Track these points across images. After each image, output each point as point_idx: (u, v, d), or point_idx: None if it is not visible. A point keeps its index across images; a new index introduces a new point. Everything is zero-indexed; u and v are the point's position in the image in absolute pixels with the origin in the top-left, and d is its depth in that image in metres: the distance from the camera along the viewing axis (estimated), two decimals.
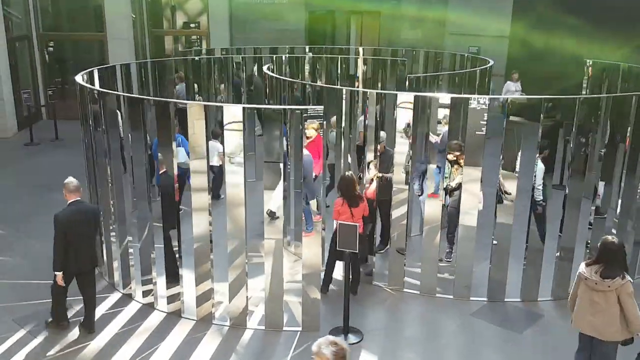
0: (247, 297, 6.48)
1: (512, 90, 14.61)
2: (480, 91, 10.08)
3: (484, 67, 10.61)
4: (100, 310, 6.82)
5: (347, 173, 7.00)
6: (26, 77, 16.12)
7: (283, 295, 6.48)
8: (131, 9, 16.88)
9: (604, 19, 14.69)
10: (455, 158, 7.41)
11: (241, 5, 19.51)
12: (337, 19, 24.14)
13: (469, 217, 6.89)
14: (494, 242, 6.99)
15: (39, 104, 16.33)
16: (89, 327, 6.37)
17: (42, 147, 13.78)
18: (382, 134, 7.45)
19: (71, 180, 6.23)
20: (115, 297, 7.18)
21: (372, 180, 7.36)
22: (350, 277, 6.56)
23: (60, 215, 6.08)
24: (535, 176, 7.12)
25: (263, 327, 6.49)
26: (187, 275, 6.70)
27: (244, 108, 6.26)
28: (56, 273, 6.08)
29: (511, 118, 6.68)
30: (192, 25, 19.12)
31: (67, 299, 6.47)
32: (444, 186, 7.48)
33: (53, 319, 6.42)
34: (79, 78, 7.44)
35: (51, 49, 17.07)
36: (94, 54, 17.44)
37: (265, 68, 10.26)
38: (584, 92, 11.24)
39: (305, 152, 7.07)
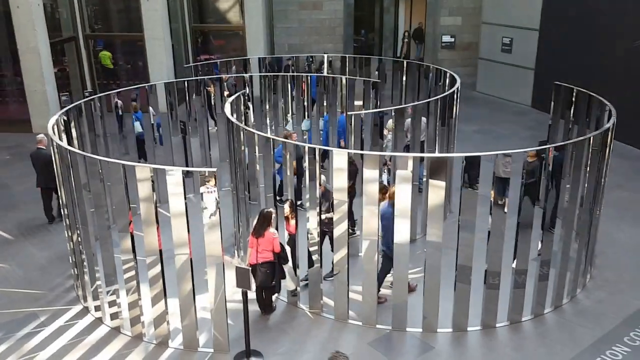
0: (167, 316, 7.46)
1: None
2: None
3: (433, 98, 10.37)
4: (58, 323, 8.08)
5: (268, 209, 7.79)
6: (75, 76, 17.82)
7: (196, 315, 7.34)
8: (170, 7, 17.99)
9: None
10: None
11: None
12: (384, 3, 24.10)
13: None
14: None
15: None
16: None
17: None
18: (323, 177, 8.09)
19: (40, 135, 10.71)
20: (77, 309, 8.38)
21: (288, 217, 8.08)
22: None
23: (31, 154, 10.93)
24: None
25: (182, 348, 7.49)
26: (123, 292, 7.75)
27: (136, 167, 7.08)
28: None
29: None
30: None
31: None
32: None
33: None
34: (50, 127, 8.27)
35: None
36: (137, 53, 18.76)
37: (227, 106, 9.32)
38: None
39: None
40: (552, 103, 10.50)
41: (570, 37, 15.84)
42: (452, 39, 20.34)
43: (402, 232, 7.27)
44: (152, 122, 11.54)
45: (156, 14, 17.27)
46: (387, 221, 7.60)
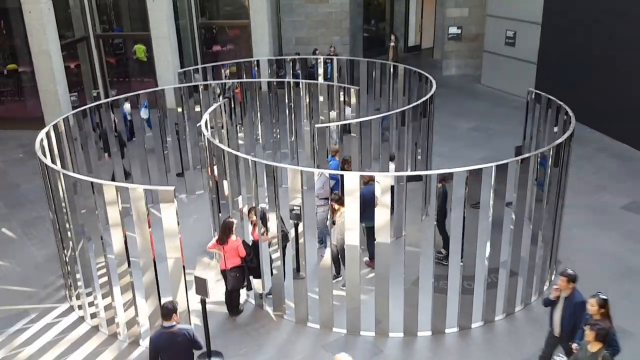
0: (137, 318, 8.05)
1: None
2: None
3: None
4: (46, 320, 8.76)
5: (230, 219, 8.29)
6: (87, 76, 18.58)
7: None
8: (177, 3, 18.51)
9: None
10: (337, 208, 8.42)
11: None
12: None
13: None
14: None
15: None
16: None
17: None
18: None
19: None
20: (63, 307, 9.05)
21: (254, 225, 8.56)
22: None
23: None
24: None
25: None
26: (100, 294, 8.34)
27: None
28: None
29: None
30: None
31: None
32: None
33: None
34: (38, 142, 8.84)
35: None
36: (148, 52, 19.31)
37: (203, 124, 9.46)
38: None
39: None
40: (527, 109, 10.65)
41: (572, 32, 15.73)
42: (459, 31, 20.35)
43: (352, 238, 7.67)
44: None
45: (161, 14, 17.81)
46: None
